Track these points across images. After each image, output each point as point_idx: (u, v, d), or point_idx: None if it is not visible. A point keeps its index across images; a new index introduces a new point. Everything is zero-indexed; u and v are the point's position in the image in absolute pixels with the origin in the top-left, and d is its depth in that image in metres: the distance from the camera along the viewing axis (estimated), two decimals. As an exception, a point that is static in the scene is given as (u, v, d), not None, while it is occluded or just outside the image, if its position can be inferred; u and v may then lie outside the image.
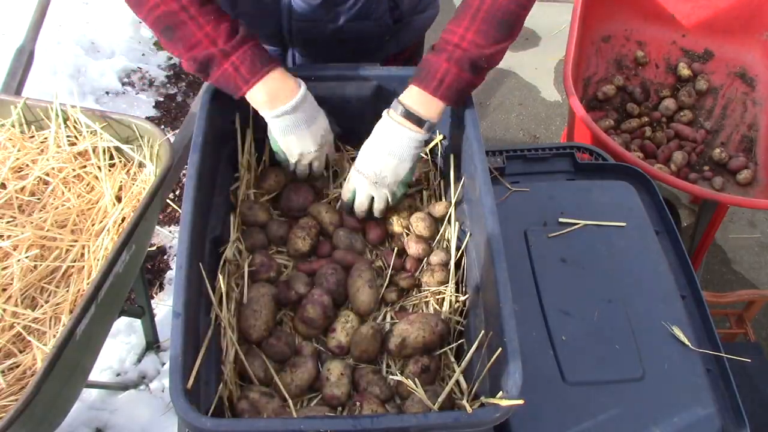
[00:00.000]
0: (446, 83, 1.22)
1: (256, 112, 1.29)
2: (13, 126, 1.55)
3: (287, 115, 1.25)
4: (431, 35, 1.66)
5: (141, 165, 1.57)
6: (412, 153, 1.28)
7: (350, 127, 1.45)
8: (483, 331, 1.18)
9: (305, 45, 1.50)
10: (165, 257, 2.55)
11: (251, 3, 1.38)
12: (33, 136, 1.57)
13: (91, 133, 1.55)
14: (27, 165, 1.53)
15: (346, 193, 1.38)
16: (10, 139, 1.54)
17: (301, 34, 1.46)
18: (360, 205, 1.36)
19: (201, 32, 1.18)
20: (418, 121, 1.25)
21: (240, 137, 1.40)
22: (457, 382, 1.18)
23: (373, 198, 1.35)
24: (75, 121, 1.55)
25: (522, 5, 1.21)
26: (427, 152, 1.49)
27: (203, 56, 1.20)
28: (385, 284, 1.36)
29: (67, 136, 1.55)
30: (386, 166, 1.29)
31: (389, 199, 1.35)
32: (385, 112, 1.29)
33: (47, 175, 1.52)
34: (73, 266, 1.42)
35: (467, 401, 1.09)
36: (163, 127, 2.86)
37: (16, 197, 1.47)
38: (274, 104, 1.23)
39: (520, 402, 0.98)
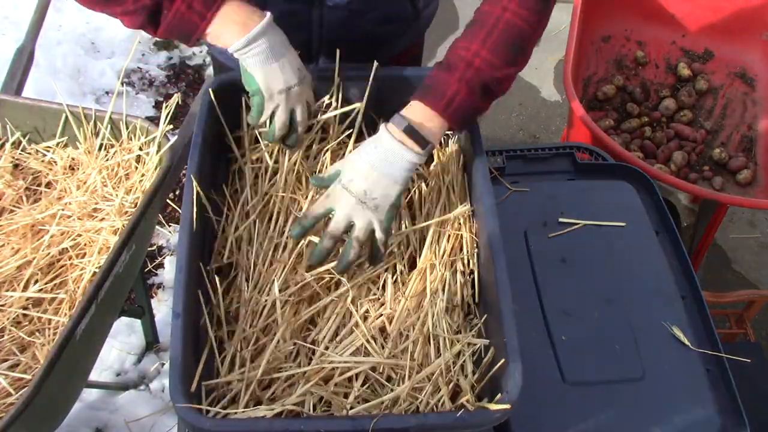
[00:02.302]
0: (455, 104, 1.13)
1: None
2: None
3: (262, 38, 1.13)
4: (429, 36, 1.67)
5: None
6: (405, 175, 1.15)
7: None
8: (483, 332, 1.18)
9: (330, 53, 1.41)
10: (164, 256, 2.55)
11: (281, 15, 1.25)
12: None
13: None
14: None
15: (316, 210, 1.17)
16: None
17: (329, 44, 1.42)
18: (335, 230, 1.16)
19: None
20: (420, 141, 1.14)
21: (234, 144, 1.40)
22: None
23: (352, 226, 1.16)
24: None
25: (534, 28, 1.15)
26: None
27: (152, 1, 1.12)
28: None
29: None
30: (377, 185, 1.13)
31: (377, 228, 1.16)
32: (382, 126, 1.17)
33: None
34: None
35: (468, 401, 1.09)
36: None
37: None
38: (243, 32, 1.12)
39: (507, 407, 0.99)
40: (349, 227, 1.16)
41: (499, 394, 1.02)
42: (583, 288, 1.42)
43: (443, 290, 1.23)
